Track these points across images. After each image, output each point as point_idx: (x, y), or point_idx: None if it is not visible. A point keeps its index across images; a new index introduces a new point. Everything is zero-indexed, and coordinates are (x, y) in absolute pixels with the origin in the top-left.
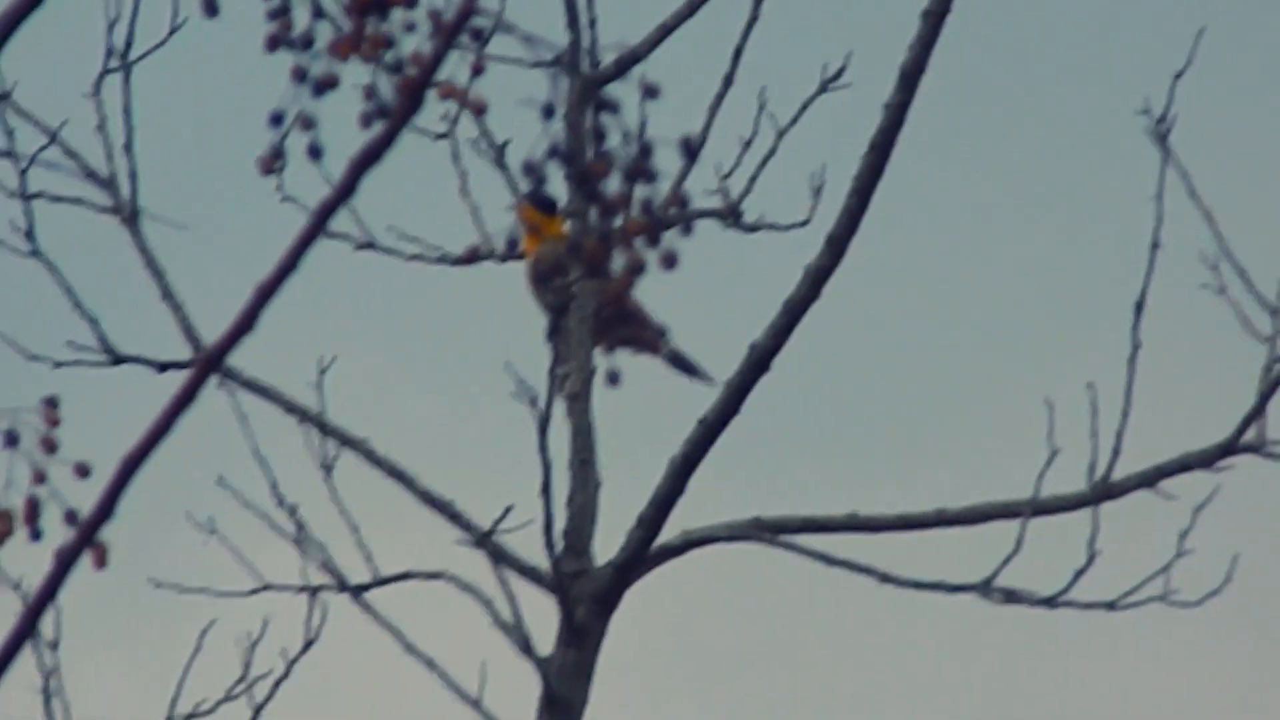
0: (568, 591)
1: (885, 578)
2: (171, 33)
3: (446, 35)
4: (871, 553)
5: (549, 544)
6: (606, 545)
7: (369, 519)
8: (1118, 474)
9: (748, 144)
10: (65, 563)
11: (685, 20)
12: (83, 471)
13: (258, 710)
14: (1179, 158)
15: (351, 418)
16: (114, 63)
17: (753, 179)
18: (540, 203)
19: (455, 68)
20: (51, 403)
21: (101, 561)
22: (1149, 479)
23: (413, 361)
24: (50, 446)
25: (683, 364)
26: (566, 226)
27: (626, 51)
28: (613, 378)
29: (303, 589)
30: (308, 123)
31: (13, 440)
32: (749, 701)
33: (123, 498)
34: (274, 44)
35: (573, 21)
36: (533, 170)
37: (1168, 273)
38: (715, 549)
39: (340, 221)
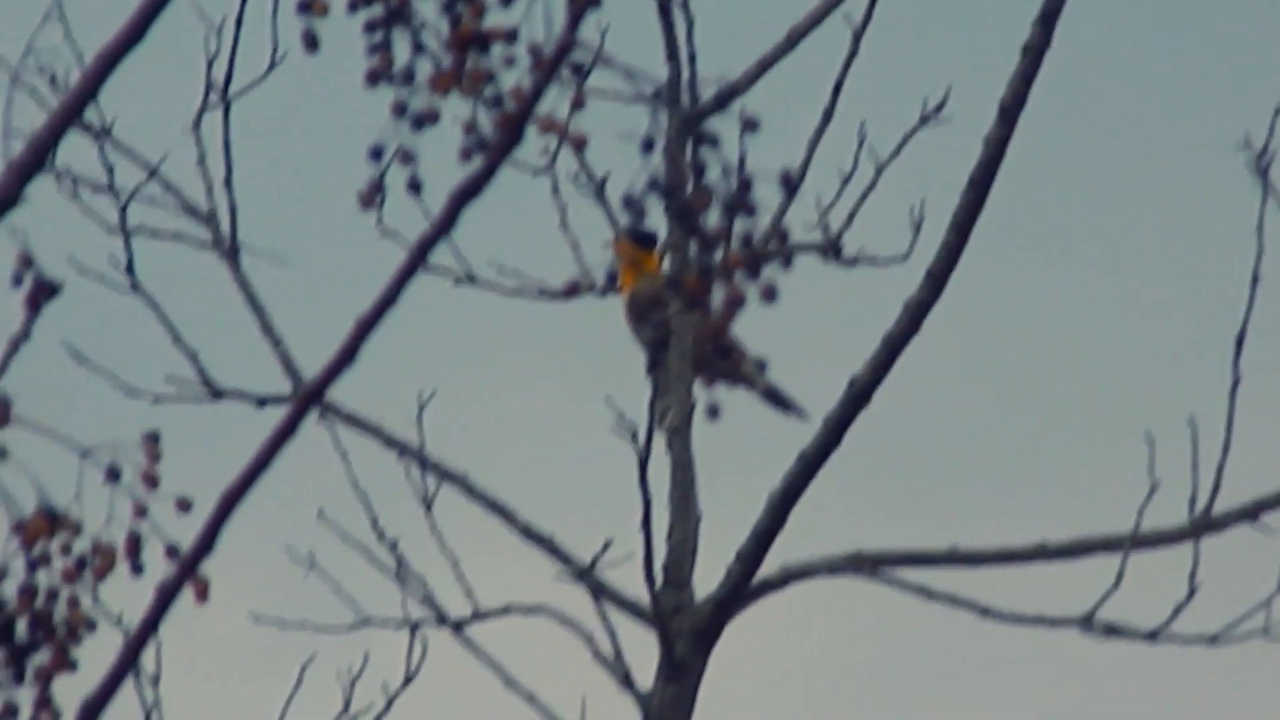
0: (668, 625)
1: (985, 611)
2: (271, 68)
3: (546, 70)
4: (972, 586)
5: (649, 578)
6: (706, 579)
7: (469, 553)
8: (1218, 508)
9: (847, 178)
10: (166, 597)
11: (785, 54)
12: (184, 506)
13: None
14: None
15: (451, 452)
16: (214, 98)
17: (852, 213)
18: (638, 238)
19: (555, 102)
20: (152, 438)
21: (203, 596)
22: (1250, 512)
23: (512, 395)
24: (151, 481)
25: (778, 399)
26: (664, 261)
27: (726, 85)
28: (713, 411)
29: (403, 624)
30: (407, 157)
31: (114, 475)
32: None
33: (223, 532)
34: (374, 79)
35: (672, 55)
36: (632, 204)
37: (1268, 306)
38: (815, 583)
39: (440, 256)
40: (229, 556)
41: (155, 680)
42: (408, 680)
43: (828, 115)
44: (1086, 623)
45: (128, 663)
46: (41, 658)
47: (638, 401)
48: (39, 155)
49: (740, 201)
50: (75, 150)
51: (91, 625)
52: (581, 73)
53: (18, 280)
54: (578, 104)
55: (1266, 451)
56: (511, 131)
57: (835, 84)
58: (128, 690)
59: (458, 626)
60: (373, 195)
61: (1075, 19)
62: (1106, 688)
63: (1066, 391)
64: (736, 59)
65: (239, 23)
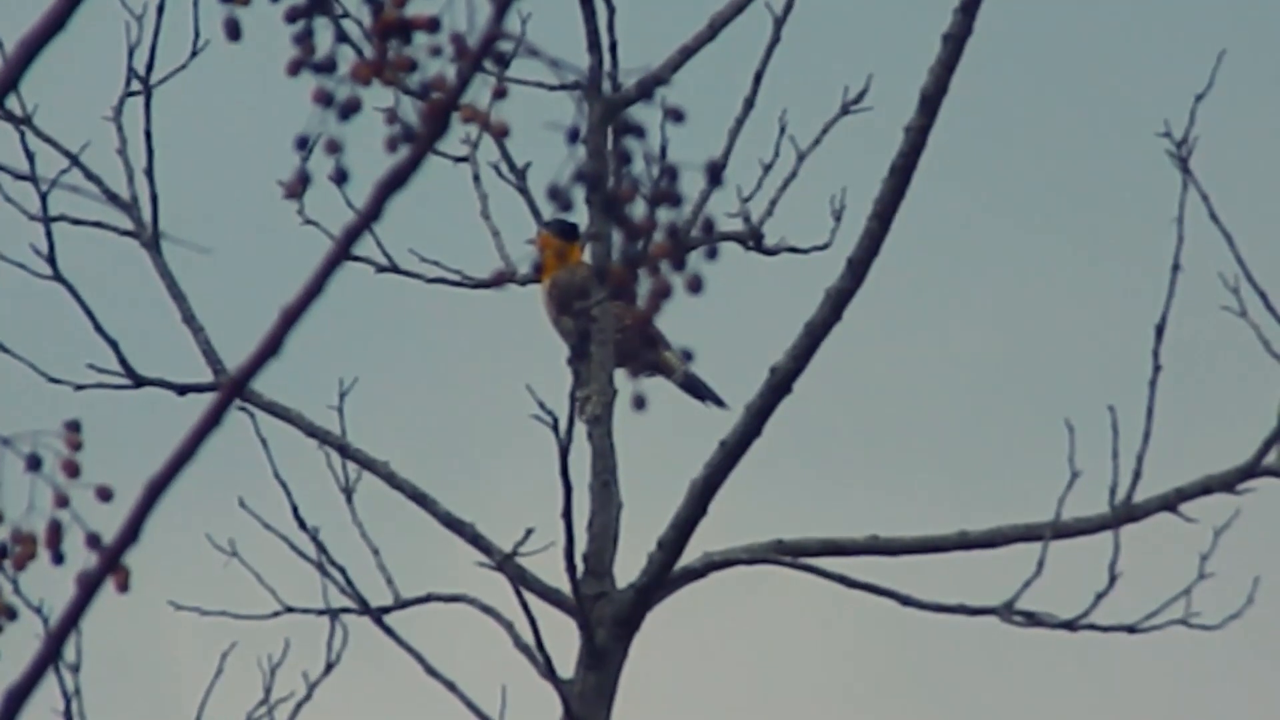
0: (589, 614)
1: (906, 600)
2: (193, 55)
3: (470, 59)
4: (892, 575)
5: (570, 566)
6: (628, 568)
7: (390, 542)
8: (1139, 497)
9: (769, 167)
10: (88, 587)
11: (707, 43)
12: (105, 495)
13: None
14: (1199, 180)
15: (372, 441)
16: (135, 86)
17: (774, 202)
18: (560, 230)
19: (478, 91)
20: (73, 426)
21: (124, 585)
22: (1170, 502)
23: (434, 384)
24: (72, 470)
25: (696, 388)
26: (586, 253)
27: (649, 74)
28: (639, 402)
29: (324, 612)
30: (333, 147)
31: (35, 464)
32: None
33: (147, 522)
34: (297, 68)
35: (594, 45)
36: (559, 194)
37: (1189, 295)
38: (736, 571)
39: (362, 245)
40: (150, 544)
41: (76, 669)
42: (329, 669)
43: (749, 104)
44: (1007, 611)
45: (50, 653)
46: None
47: (559, 390)
48: None
49: (665, 191)
50: None
51: (12, 614)
52: (504, 62)
53: None
54: (500, 93)
55: (1186, 440)
56: (436, 121)
57: (756, 72)
58: (49, 679)
59: (379, 615)
60: (298, 185)
61: (996, 6)
62: (1027, 676)
63: (985, 379)
64: (658, 48)
65: (160, 11)
